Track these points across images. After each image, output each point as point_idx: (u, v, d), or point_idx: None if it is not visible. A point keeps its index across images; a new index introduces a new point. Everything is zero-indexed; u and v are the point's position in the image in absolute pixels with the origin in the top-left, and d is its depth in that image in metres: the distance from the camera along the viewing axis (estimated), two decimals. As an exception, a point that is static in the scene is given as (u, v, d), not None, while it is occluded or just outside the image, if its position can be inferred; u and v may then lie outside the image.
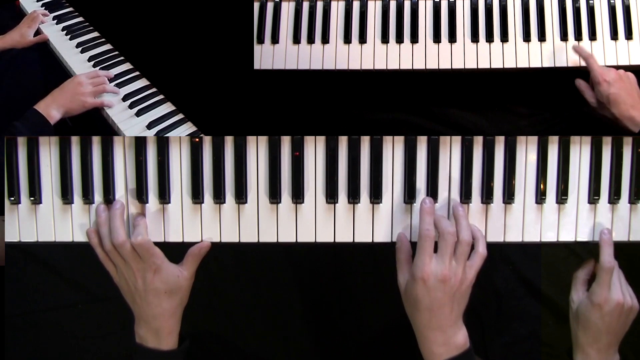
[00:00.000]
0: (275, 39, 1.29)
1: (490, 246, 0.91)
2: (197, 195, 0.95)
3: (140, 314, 0.91)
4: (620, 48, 1.24)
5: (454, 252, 0.85)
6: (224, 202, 0.96)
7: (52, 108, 1.15)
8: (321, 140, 0.96)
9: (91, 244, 0.93)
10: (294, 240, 0.96)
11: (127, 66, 1.36)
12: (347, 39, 1.28)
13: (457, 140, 0.96)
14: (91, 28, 1.48)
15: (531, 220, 0.96)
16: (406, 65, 1.26)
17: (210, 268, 1.23)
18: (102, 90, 1.23)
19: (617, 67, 1.21)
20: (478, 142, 0.96)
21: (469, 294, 0.87)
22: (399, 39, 1.27)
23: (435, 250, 0.86)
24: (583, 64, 1.21)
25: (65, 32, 1.46)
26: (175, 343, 0.93)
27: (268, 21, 1.30)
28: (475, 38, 1.26)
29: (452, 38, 1.27)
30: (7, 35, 1.41)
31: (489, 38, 1.26)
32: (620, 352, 0.92)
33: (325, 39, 1.28)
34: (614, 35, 1.25)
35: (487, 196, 0.95)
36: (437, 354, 0.86)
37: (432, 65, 1.26)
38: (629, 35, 1.24)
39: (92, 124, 1.21)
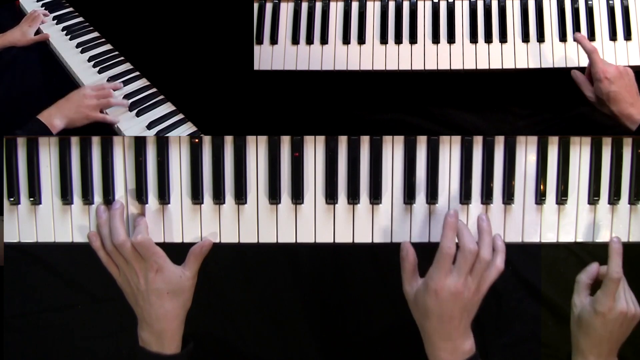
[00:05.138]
0: (274, 40, 1.29)
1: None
2: (196, 196, 0.95)
3: (143, 316, 0.91)
4: (619, 49, 1.24)
5: (470, 268, 0.85)
6: (224, 203, 0.96)
7: (55, 118, 1.15)
8: (321, 140, 0.96)
9: (93, 248, 0.92)
10: (294, 241, 0.96)
11: (127, 66, 1.36)
12: (346, 40, 1.28)
13: (456, 141, 0.96)
14: (91, 28, 1.48)
15: (531, 221, 0.96)
16: (405, 66, 1.26)
17: (210, 269, 1.23)
18: (106, 104, 1.22)
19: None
20: (478, 143, 0.96)
21: (480, 304, 0.87)
22: (398, 40, 1.27)
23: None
24: (582, 63, 1.22)
25: (65, 32, 1.45)
26: (178, 347, 0.92)
27: (267, 22, 1.30)
28: (474, 39, 1.26)
29: (451, 39, 1.27)
30: (8, 33, 1.41)
31: (488, 39, 1.26)
32: (619, 353, 0.92)
33: (324, 40, 1.28)
34: (613, 36, 1.25)
35: (486, 197, 0.95)
36: (443, 359, 0.86)
37: (430, 66, 1.26)
38: (627, 36, 1.25)
39: (92, 124, 1.21)
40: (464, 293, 0.84)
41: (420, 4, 1.29)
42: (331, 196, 0.95)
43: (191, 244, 0.94)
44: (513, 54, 1.25)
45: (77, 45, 1.41)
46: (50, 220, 0.97)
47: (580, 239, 0.96)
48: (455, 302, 0.84)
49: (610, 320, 0.89)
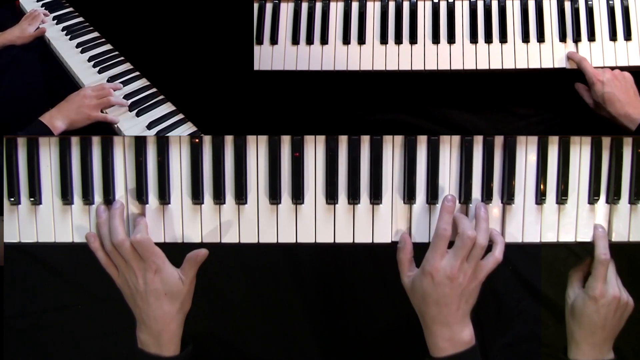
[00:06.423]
0: (274, 40, 1.29)
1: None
2: (197, 196, 0.95)
3: (141, 317, 0.91)
4: (619, 49, 1.24)
5: (467, 254, 0.86)
6: (224, 203, 0.96)
7: (56, 119, 1.15)
8: (321, 140, 0.96)
9: (91, 249, 0.92)
10: (294, 241, 0.96)
11: (127, 66, 1.36)
12: (346, 40, 1.28)
13: (456, 141, 0.96)
14: (91, 28, 1.48)
15: (531, 221, 0.96)
16: (405, 66, 1.26)
17: (210, 269, 1.23)
18: (107, 103, 1.22)
19: (616, 68, 1.21)
20: (478, 142, 0.96)
21: (478, 293, 0.88)
22: (398, 40, 1.27)
23: (449, 247, 0.87)
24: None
25: (65, 32, 1.46)
26: (177, 349, 0.92)
27: (267, 22, 1.30)
28: (474, 39, 1.26)
29: (451, 39, 1.27)
30: (7, 32, 1.41)
31: (488, 39, 1.26)
32: (619, 351, 0.92)
33: (324, 40, 1.28)
34: (613, 36, 1.25)
35: (486, 197, 0.95)
36: (442, 348, 0.86)
37: (430, 66, 1.26)
38: (627, 36, 1.25)
39: (92, 124, 1.21)
40: (459, 278, 0.85)
41: (420, 4, 1.29)
42: (331, 196, 0.95)
43: (191, 244, 0.94)
44: (513, 54, 1.25)
45: (77, 45, 1.41)
46: (50, 221, 0.97)
47: (580, 239, 0.96)
48: (451, 286, 0.85)
49: (603, 305, 0.89)
